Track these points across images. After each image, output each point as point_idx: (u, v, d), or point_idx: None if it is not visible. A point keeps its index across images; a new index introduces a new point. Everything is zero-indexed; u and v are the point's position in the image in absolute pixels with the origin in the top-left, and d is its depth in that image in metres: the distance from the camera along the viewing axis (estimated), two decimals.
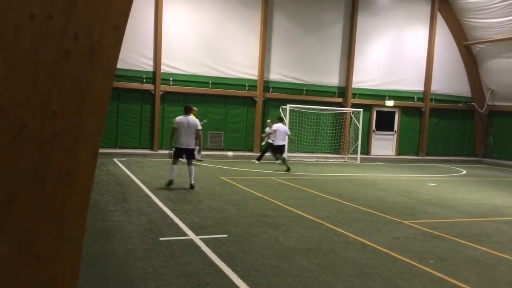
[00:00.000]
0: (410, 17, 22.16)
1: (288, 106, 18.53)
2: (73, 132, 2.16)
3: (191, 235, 6.66)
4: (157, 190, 10.18)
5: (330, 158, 20.09)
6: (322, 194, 10.74)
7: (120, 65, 17.45)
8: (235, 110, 19.96)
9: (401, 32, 22.12)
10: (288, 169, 14.64)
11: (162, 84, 18.61)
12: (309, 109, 19.72)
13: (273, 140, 15.35)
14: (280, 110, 19.10)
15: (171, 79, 18.82)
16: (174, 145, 10.59)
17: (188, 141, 10.40)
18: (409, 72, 22.33)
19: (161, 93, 18.64)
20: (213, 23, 19.25)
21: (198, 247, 6.08)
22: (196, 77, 19.14)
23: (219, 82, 19.45)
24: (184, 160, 10.66)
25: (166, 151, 17.63)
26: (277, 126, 15.20)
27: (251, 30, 19.70)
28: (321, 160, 19.47)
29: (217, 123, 19.65)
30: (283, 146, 15.24)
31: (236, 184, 11.60)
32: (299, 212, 8.59)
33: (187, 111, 10.56)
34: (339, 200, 10.13)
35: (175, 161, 10.54)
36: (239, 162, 17.09)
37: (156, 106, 18.60)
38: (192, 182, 10.48)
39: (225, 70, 19.54)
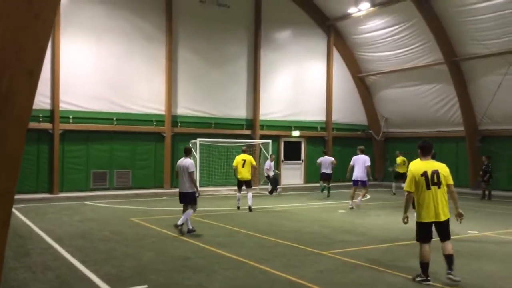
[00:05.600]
0: (309, 51, 23.32)
1: (198, 140, 18.30)
2: None
3: None
4: (62, 239, 9.32)
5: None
6: (240, 229, 10.57)
7: None
8: (143, 146, 19.30)
9: (302, 65, 23.16)
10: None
11: (61, 122, 17.46)
12: (219, 142, 19.66)
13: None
14: (190, 145, 18.78)
15: (71, 116, 17.75)
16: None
17: (184, 185, 10.03)
18: (312, 103, 23.34)
19: (60, 131, 17.46)
20: (116, 58, 18.64)
21: None
22: (99, 113, 18.26)
23: (124, 118, 18.75)
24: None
25: (67, 194, 16.46)
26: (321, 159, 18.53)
27: (156, 65, 19.37)
28: (233, 193, 19.35)
29: (124, 161, 18.81)
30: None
31: (150, 226, 11.04)
32: (220, 251, 8.32)
33: (186, 154, 10.18)
34: (257, 234, 10.03)
35: (184, 207, 10.24)
36: (149, 200, 16.40)
37: (55, 146, 17.36)
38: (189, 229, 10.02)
39: (130, 106, 18.91)
